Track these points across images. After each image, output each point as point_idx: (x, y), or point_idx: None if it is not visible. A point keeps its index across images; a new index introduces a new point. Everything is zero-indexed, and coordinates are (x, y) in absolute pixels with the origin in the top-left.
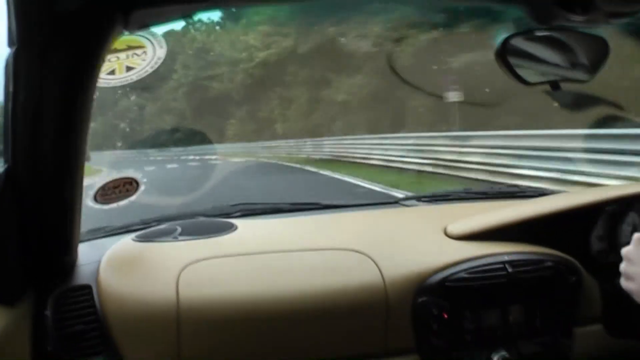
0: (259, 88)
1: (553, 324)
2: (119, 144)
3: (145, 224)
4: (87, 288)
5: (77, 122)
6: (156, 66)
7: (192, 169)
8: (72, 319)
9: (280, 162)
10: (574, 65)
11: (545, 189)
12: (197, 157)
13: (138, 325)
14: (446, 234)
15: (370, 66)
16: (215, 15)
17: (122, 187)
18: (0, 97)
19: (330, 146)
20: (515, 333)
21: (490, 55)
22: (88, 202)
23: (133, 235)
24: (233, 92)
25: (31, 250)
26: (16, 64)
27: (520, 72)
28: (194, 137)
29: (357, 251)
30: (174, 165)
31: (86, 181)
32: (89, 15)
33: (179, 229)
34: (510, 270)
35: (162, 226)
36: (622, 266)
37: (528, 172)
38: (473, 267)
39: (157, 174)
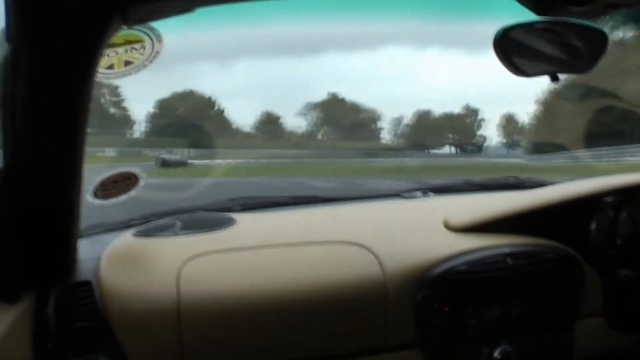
0: None
1: (554, 317)
2: None
3: (145, 219)
4: (87, 284)
5: (76, 117)
6: (155, 60)
7: None
8: (73, 316)
9: None
10: (574, 56)
11: (544, 180)
12: None
13: (139, 321)
14: (446, 227)
15: None
16: None
17: (121, 182)
18: None
19: None
20: (516, 327)
21: None
22: (88, 197)
23: (133, 230)
24: None
25: (31, 247)
26: (14, 61)
27: (518, 63)
28: None
29: (357, 244)
30: None
31: None
32: (87, 10)
33: (179, 224)
34: (510, 262)
35: (162, 221)
36: None
37: None
38: (473, 260)
39: None
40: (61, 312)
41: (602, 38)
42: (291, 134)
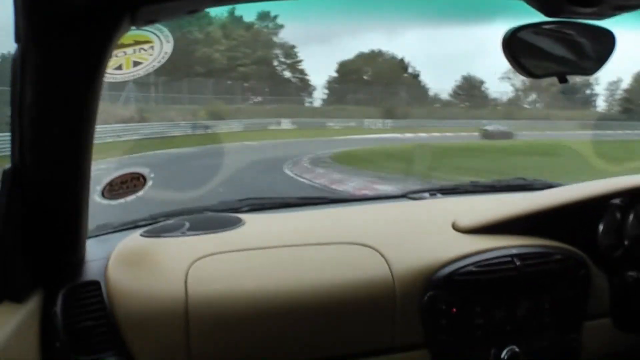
0: None
1: (562, 317)
2: None
3: (154, 219)
4: (95, 284)
5: (84, 118)
6: (163, 61)
7: None
8: (81, 315)
9: None
10: (581, 57)
11: (551, 182)
12: None
13: (147, 321)
14: (454, 228)
15: None
16: None
17: (129, 183)
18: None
19: None
20: (524, 327)
21: None
22: (95, 197)
23: (141, 230)
24: None
25: (39, 247)
26: (23, 61)
27: (526, 64)
28: None
29: (365, 245)
30: None
31: None
32: (96, 11)
33: (187, 224)
34: (518, 263)
35: (170, 221)
36: None
37: None
38: (481, 261)
39: None
40: (69, 312)
41: (609, 39)
42: (495, 101)
